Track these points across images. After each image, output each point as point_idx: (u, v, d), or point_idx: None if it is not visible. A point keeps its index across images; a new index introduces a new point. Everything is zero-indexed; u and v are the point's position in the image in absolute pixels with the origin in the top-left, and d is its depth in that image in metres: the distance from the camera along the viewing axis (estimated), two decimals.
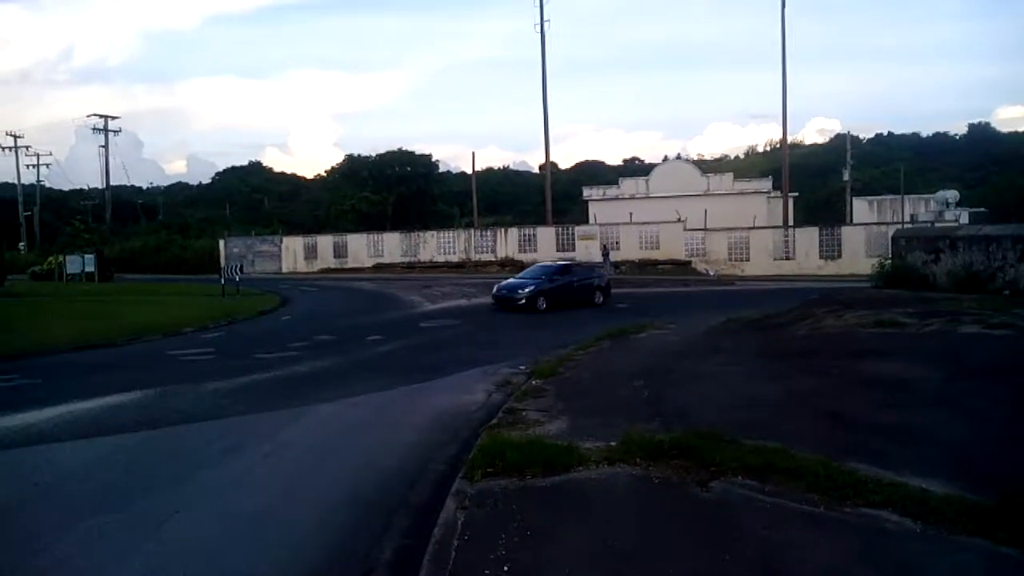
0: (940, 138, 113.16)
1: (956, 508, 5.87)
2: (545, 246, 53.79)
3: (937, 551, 5.33)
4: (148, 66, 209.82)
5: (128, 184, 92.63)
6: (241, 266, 45.39)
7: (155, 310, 29.12)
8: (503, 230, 57.81)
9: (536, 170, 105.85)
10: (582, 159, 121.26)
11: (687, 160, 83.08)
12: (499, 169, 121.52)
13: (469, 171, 68.28)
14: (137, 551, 6.60)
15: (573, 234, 54.07)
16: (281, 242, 62.57)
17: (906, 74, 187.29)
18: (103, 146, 72.08)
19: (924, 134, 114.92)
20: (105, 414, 12.05)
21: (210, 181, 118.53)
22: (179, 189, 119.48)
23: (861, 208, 66.00)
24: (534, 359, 15.48)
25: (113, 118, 72.87)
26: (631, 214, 55.58)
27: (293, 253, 61.33)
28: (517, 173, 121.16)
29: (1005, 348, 11.60)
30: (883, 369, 11.23)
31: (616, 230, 53.03)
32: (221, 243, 62.74)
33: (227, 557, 6.58)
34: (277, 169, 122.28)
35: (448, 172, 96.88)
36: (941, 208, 55.21)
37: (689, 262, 50.52)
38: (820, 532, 5.75)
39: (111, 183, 74.91)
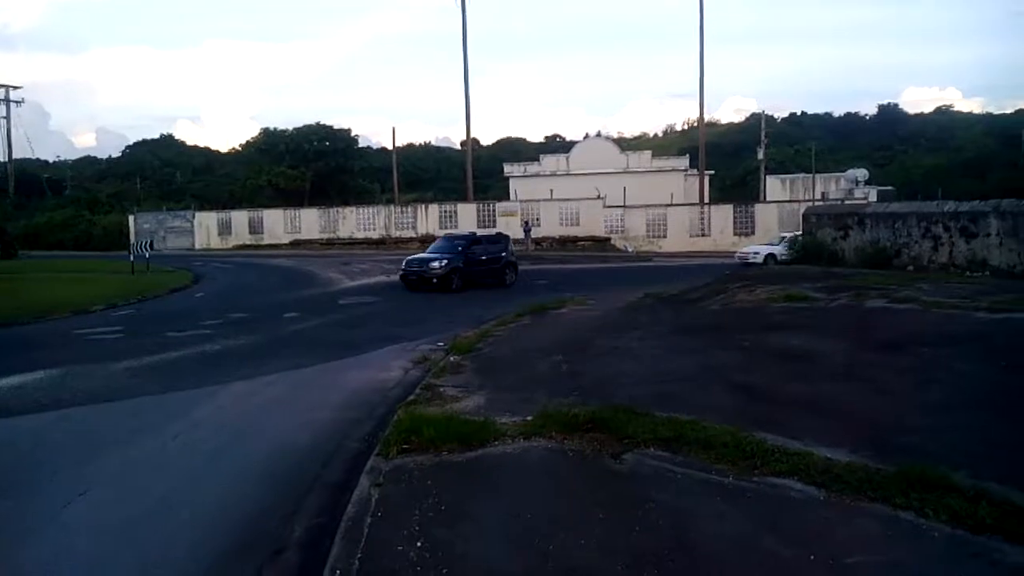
0: (851, 118, 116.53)
1: (858, 476, 6.06)
2: (466, 222, 53.59)
3: (839, 517, 5.50)
4: (54, 34, 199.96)
5: (33, 157, 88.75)
6: (151, 242, 44.05)
7: (62, 288, 27.99)
8: (424, 206, 57.46)
9: (458, 146, 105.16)
10: (504, 135, 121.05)
11: (607, 138, 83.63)
12: (421, 145, 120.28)
13: (390, 146, 67.38)
14: (38, 536, 6.37)
15: (494, 210, 54.07)
16: (194, 217, 60.84)
17: (819, 55, 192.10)
18: (4, 117, 68.99)
19: (836, 114, 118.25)
20: (7, 395, 11.58)
21: (120, 155, 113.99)
22: (88, 163, 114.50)
23: (774, 186, 67.63)
24: (453, 335, 15.42)
25: (15, 88, 69.76)
26: (552, 191, 55.83)
27: (206, 229, 59.76)
28: (439, 149, 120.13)
29: (908, 321, 12.04)
30: (792, 342, 11.55)
31: (537, 207, 53.22)
32: (131, 219, 60.64)
33: (134, 540, 6.36)
34: (190, 142, 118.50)
35: (369, 147, 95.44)
36: (851, 186, 57.08)
37: (608, 239, 51.10)
38: (728, 501, 5.87)
39: (14, 156, 71.61)
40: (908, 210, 20.20)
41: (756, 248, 35.28)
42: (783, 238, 34.35)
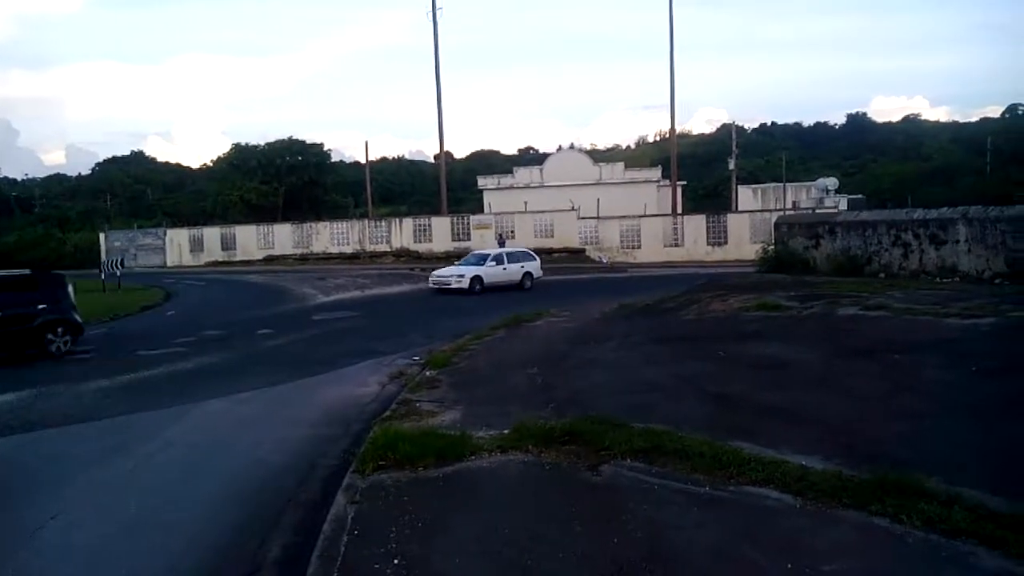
0: (821, 127, 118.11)
1: (833, 483, 6.09)
2: (440, 236, 53.59)
3: (815, 525, 5.52)
4: (23, 50, 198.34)
5: (1, 175, 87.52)
6: (122, 260, 43.58)
7: None
8: (398, 220, 57.30)
9: (432, 159, 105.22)
10: (478, 148, 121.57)
11: (580, 150, 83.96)
12: (394, 159, 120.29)
13: (363, 160, 67.27)
14: (9, 559, 6.25)
15: (469, 223, 54.01)
16: (165, 235, 60.21)
17: (789, 66, 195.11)
18: None
19: (806, 123, 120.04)
20: None
21: (90, 172, 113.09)
22: (57, 180, 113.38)
23: (746, 196, 68.22)
24: (429, 349, 15.38)
25: None
26: (526, 203, 55.86)
27: (178, 246, 59.15)
28: (412, 163, 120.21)
29: (880, 329, 12.15)
30: (766, 351, 11.61)
31: (511, 219, 53.23)
32: (101, 236, 59.88)
33: (107, 563, 6.26)
34: (161, 159, 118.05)
35: (341, 162, 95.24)
36: (821, 195, 57.80)
37: (583, 250, 51.21)
38: (705, 511, 5.89)
39: None
40: (878, 218, 20.43)
41: (460, 271, 30.48)
42: (487, 256, 31.58)
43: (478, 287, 29.48)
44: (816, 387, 9.54)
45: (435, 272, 32.33)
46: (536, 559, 5.27)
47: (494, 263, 31.01)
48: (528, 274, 31.75)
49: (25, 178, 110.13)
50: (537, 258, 33.55)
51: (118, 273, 36.89)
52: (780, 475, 6.34)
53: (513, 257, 32.39)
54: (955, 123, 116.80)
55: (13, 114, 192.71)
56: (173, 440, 9.90)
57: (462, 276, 29.88)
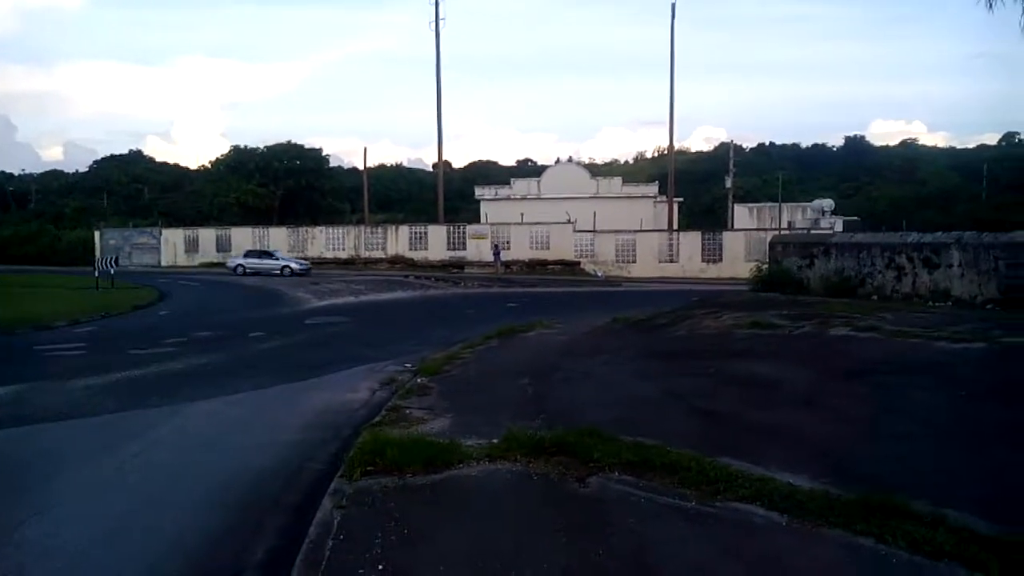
0: (818, 149, 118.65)
1: (820, 502, 6.09)
2: (436, 244, 53.68)
3: (800, 544, 5.53)
4: (24, 46, 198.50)
5: None
6: (117, 258, 43.61)
7: (23, 303, 27.60)
8: (394, 227, 57.42)
9: (430, 168, 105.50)
10: (476, 159, 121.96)
11: (578, 163, 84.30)
12: (392, 166, 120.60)
13: (361, 166, 67.33)
14: None
15: (464, 233, 54.12)
16: (160, 234, 60.21)
17: (789, 87, 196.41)
18: None
19: (804, 145, 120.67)
20: None
21: (88, 169, 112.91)
22: (54, 176, 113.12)
23: (742, 214, 68.49)
24: (421, 357, 15.37)
25: None
26: (522, 214, 56.05)
27: (173, 246, 59.15)
28: (411, 170, 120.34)
29: (870, 350, 12.19)
30: (757, 369, 11.63)
31: (507, 230, 53.38)
32: (96, 234, 59.88)
33: (88, 562, 6.21)
34: (159, 159, 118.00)
35: (340, 167, 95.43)
36: (817, 216, 58.07)
37: (578, 263, 51.36)
38: (691, 526, 5.88)
39: None
40: (873, 240, 20.49)
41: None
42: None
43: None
44: (805, 406, 9.55)
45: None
46: (519, 570, 5.26)
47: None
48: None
49: (22, 173, 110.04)
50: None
51: (112, 271, 36.82)
52: (767, 492, 6.34)
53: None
54: (952, 149, 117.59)
55: (12, 109, 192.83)
56: (160, 440, 9.85)
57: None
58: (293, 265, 48.07)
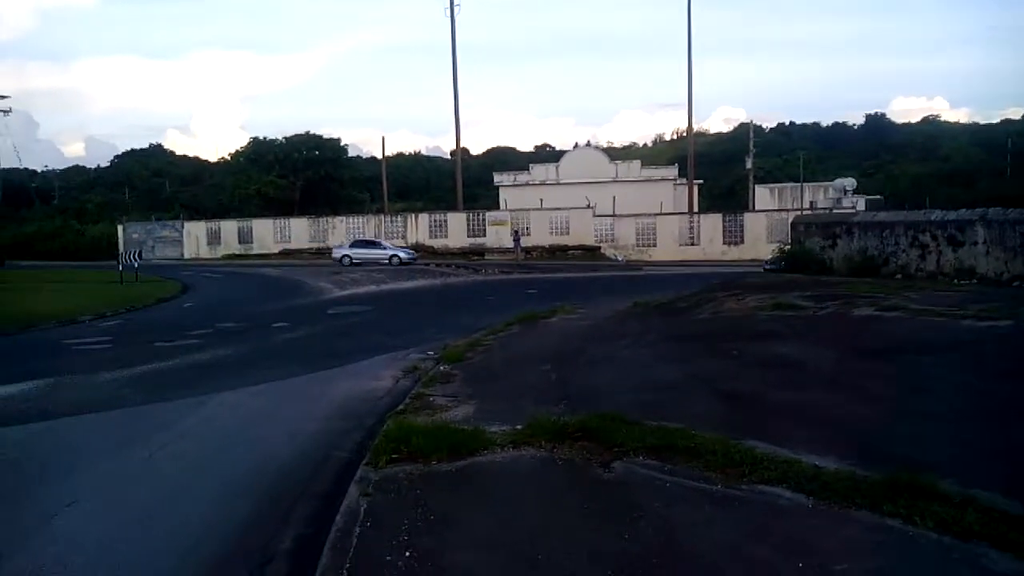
0: (839, 128, 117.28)
1: (846, 484, 6.06)
2: (456, 232, 53.72)
3: (826, 525, 5.51)
4: (44, 43, 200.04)
5: (21, 167, 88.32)
6: (140, 252, 43.95)
7: (50, 298, 27.94)
8: (414, 215, 57.52)
9: (448, 155, 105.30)
10: (494, 145, 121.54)
11: (597, 147, 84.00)
12: (411, 154, 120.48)
13: (380, 156, 67.45)
14: (23, 547, 6.31)
15: (484, 219, 54.13)
16: (183, 227, 60.71)
17: (808, 66, 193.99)
18: None
19: (824, 124, 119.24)
20: None
21: (109, 164, 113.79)
22: (76, 172, 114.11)
23: (763, 195, 68.00)
24: (443, 344, 15.41)
25: (3, 97, 69.17)
26: (541, 200, 55.95)
27: (196, 239, 59.62)
28: (429, 158, 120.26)
29: (896, 329, 12.08)
30: (781, 351, 11.56)
31: (527, 216, 53.31)
32: (120, 228, 60.48)
33: (121, 550, 6.32)
34: (179, 152, 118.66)
35: (358, 156, 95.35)
36: (839, 195, 57.45)
37: (598, 247, 51.21)
38: (717, 509, 5.88)
39: (2, 165, 71.34)
40: (896, 219, 20.26)
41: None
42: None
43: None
44: (830, 387, 9.49)
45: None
46: (547, 553, 5.28)
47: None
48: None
49: (45, 169, 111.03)
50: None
51: (136, 265, 37.17)
52: (793, 474, 6.32)
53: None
54: (975, 124, 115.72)
55: (34, 106, 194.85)
56: (187, 431, 9.98)
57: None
58: (401, 255, 46.37)
